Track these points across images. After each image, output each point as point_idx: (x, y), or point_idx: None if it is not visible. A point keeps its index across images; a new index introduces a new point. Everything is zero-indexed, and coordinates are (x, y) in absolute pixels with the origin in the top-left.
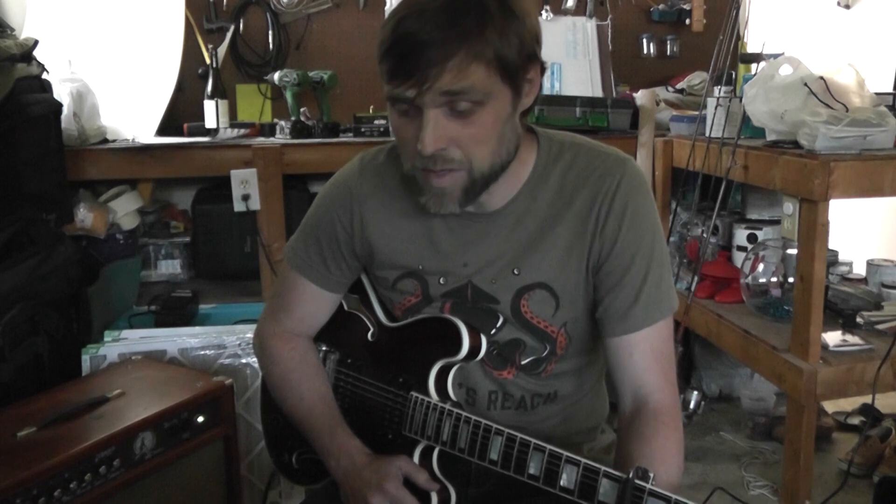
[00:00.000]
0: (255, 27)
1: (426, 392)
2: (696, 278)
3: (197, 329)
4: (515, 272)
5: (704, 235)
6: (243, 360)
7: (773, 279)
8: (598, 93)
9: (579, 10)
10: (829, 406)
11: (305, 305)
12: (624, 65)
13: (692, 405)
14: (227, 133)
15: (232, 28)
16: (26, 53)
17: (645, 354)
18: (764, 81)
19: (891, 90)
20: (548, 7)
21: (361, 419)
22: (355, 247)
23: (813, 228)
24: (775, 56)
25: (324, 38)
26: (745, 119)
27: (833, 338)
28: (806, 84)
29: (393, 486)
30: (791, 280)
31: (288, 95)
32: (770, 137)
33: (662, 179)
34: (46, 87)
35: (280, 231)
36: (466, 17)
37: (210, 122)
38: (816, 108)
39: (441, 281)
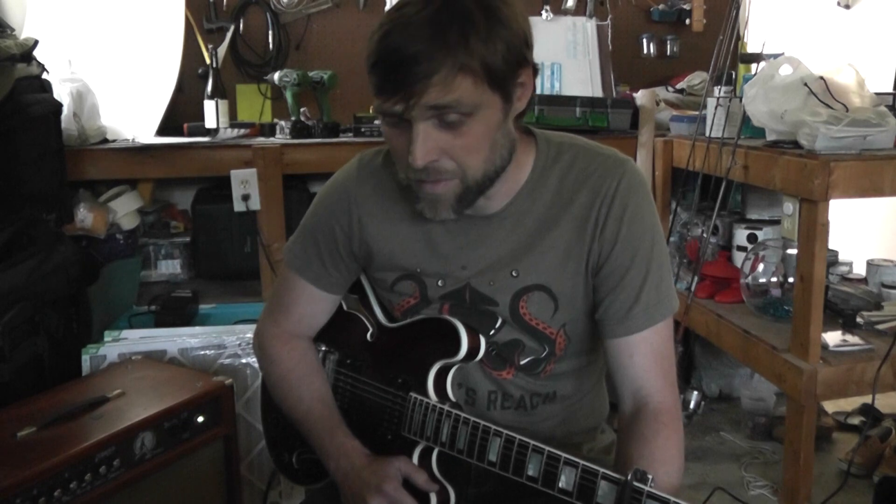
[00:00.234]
0: (255, 27)
1: (425, 393)
2: (696, 278)
3: (197, 329)
4: (514, 274)
5: (704, 235)
6: (243, 360)
7: (773, 279)
8: (598, 93)
9: (579, 10)
10: (829, 406)
11: (304, 306)
12: (624, 65)
13: (692, 405)
14: (227, 133)
15: (232, 28)
16: (26, 53)
17: (645, 356)
18: (764, 81)
19: (891, 90)
20: (548, 7)
21: (361, 420)
22: (353, 248)
23: (813, 228)
24: (775, 56)
25: (324, 38)
26: (745, 119)
27: (833, 338)
28: (806, 84)
29: (392, 487)
30: (791, 280)
31: (288, 95)
32: (770, 137)
33: (662, 179)
34: (46, 87)
35: (280, 231)
36: (450, 28)
37: (210, 122)
38: (816, 108)
39: (439, 283)
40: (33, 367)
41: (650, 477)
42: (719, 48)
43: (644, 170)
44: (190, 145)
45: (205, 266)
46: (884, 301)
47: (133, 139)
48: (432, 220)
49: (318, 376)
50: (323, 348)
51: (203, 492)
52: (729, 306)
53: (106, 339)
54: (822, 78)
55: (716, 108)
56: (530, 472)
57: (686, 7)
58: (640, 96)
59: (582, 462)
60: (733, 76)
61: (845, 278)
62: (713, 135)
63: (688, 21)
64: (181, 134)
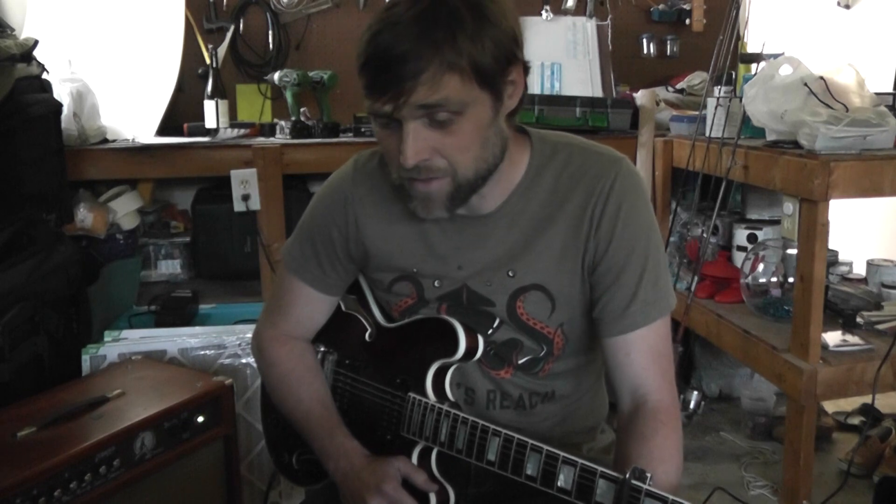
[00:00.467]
0: (255, 27)
1: (424, 393)
2: (696, 278)
3: (197, 329)
4: (510, 274)
5: (704, 235)
6: (243, 360)
7: (773, 279)
8: (598, 93)
9: (579, 10)
10: (829, 406)
11: (302, 308)
12: (624, 65)
13: (692, 405)
14: (227, 133)
15: (232, 28)
16: (26, 53)
17: (643, 354)
18: (764, 81)
19: (891, 90)
20: (548, 7)
21: (360, 420)
22: (350, 249)
23: (813, 228)
24: (775, 56)
25: (324, 38)
26: (745, 119)
27: (833, 338)
28: (806, 84)
29: (391, 487)
30: (791, 280)
31: (288, 95)
32: (770, 137)
33: (662, 179)
34: (46, 87)
35: (280, 231)
36: (437, 27)
37: (210, 122)
38: (816, 108)
39: (436, 284)
40: (33, 367)
41: (649, 475)
42: (719, 48)
43: (644, 170)
44: (190, 145)
45: (205, 266)
46: (884, 301)
47: (133, 139)
48: (428, 221)
49: (316, 377)
50: (322, 349)
51: (203, 492)
52: (729, 306)
53: (106, 339)
54: (822, 78)
55: (716, 108)
56: (529, 472)
57: (686, 7)
58: (640, 96)
59: (580, 461)
60: (733, 76)
61: (845, 278)
62: (713, 135)
63: (688, 21)
64: (181, 134)
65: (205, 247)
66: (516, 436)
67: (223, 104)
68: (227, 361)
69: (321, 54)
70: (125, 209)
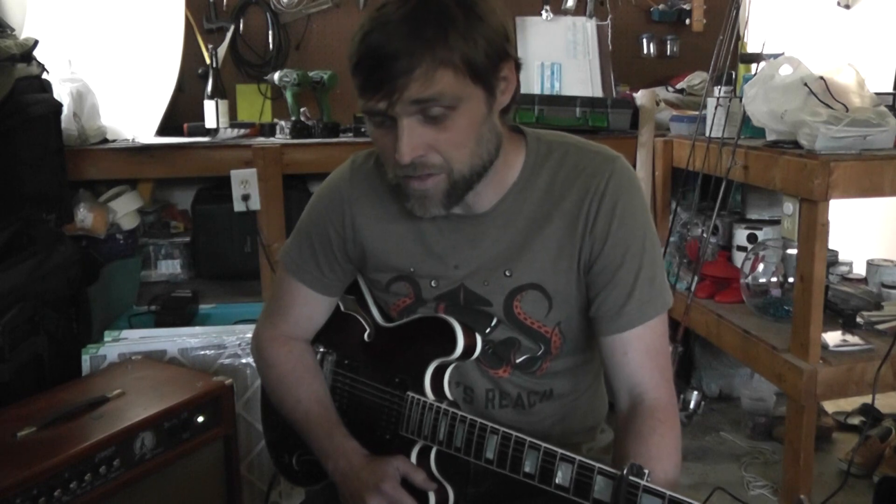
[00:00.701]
0: (255, 27)
1: (422, 392)
2: (696, 278)
3: (197, 329)
4: (507, 273)
5: (704, 235)
6: (243, 360)
7: (773, 279)
8: (598, 93)
9: (579, 10)
10: (829, 406)
11: (301, 308)
12: (624, 65)
13: (692, 405)
14: (227, 133)
15: (232, 28)
16: (26, 53)
17: (639, 352)
18: (764, 81)
19: (891, 90)
20: (548, 7)
21: (359, 420)
22: (348, 250)
23: (813, 228)
24: (775, 56)
25: (324, 38)
26: (745, 119)
27: (833, 338)
28: (806, 84)
29: (390, 487)
30: (791, 280)
31: (288, 95)
32: (770, 137)
33: (662, 179)
34: (46, 87)
35: (280, 231)
36: (428, 25)
37: (210, 122)
38: (816, 108)
39: (433, 284)
40: (33, 367)
41: (647, 472)
42: (719, 48)
43: (644, 170)
44: (190, 145)
45: (205, 266)
46: (884, 301)
47: (133, 139)
48: (425, 221)
49: (315, 377)
50: (321, 349)
51: (203, 492)
52: (729, 306)
53: (106, 339)
54: (822, 78)
55: (716, 108)
56: (527, 469)
57: (686, 7)
58: (640, 96)
59: (578, 458)
60: (733, 76)
61: (845, 278)
62: (713, 135)
63: (688, 21)
64: (181, 134)
65: (205, 247)
66: (514, 433)
67: (223, 104)
68: (227, 361)
69: (321, 54)
70: (125, 209)
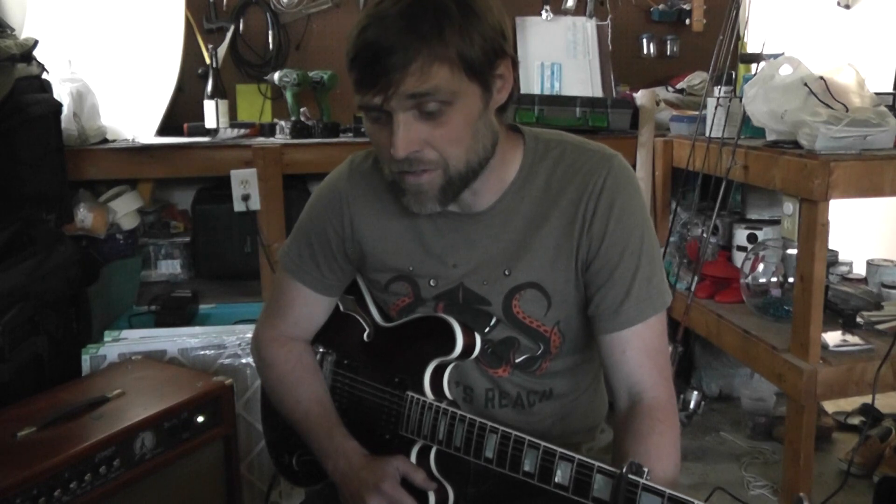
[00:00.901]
0: (255, 27)
1: (422, 391)
2: (696, 278)
3: (197, 329)
4: (506, 273)
5: (704, 235)
6: (243, 360)
7: (773, 279)
8: (598, 93)
9: (579, 10)
10: (829, 406)
11: (300, 309)
12: (624, 65)
13: (692, 405)
14: (227, 133)
15: (232, 28)
16: (26, 53)
17: (638, 351)
18: (764, 81)
19: (891, 90)
20: (548, 7)
21: (359, 420)
22: (347, 250)
23: (813, 228)
24: (775, 56)
25: (324, 38)
26: (745, 119)
27: (833, 338)
28: (806, 84)
29: (390, 486)
30: (791, 280)
31: (288, 95)
32: (770, 137)
33: (662, 179)
34: (46, 87)
35: (280, 231)
36: (424, 20)
37: (210, 122)
38: (816, 108)
39: (431, 283)
40: (33, 367)
41: (646, 470)
42: (719, 48)
43: (644, 170)
44: (190, 145)
45: (205, 266)
46: (884, 301)
47: (133, 139)
48: (422, 220)
49: (315, 378)
50: (320, 349)
51: (203, 492)
52: (729, 306)
53: (106, 339)
54: (822, 78)
55: (716, 108)
56: (526, 468)
57: (686, 7)
58: (640, 96)
59: (577, 456)
60: (733, 76)
61: (845, 278)
62: (713, 135)
63: (688, 21)
64: (181, 134)
65: (205, 247)
66: (513, 432)
67: (223, 104)
68: (227, 361)
69: (321, 54)
70: (125, 209)
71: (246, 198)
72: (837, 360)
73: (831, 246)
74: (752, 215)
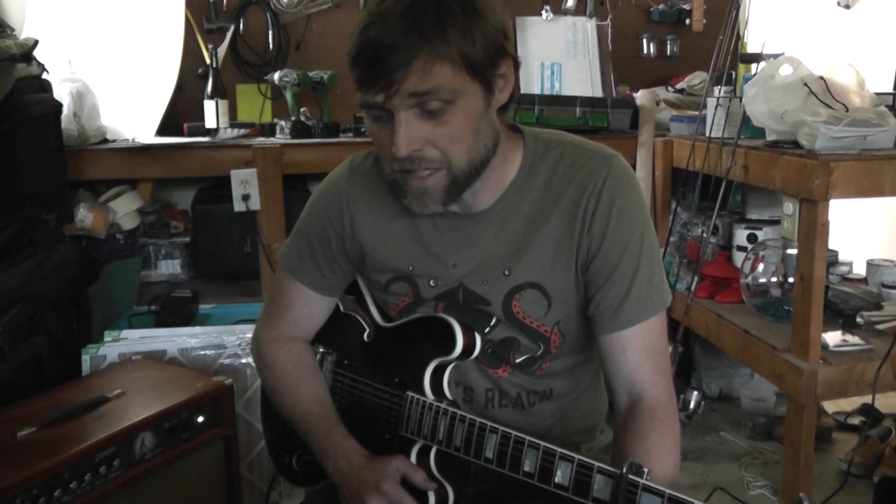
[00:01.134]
0: (255, 27)
1: (422, 391)
2: (696, 278)
3: (197, 329)
4: (506, 273)
5: (704, 235)
6: (243, 360)
7: (773, 279)
8: (598, 93)
9: (579, 10)
10: (829, 406)
11: (300, 309)
12: (624, 65)
13: (692, 405)
14: (227, 133)
15: (232, 28)
16: (26, 53)
17: (638, 351)
18: (764, 81)
19: (891, 90)
20: (548, 7)
21: (359, 420)
22: (347, 250)
23: (813, 228)
24: (775, 56)
25: (324, 38)
26: (745, 119)
27: (833, 338)
28: (806, 84)
29: (390, 486)
30: (791, 280)
31: (288, 95)
32: (770, 137)
33: (662, 179)
34: (46, 87)
35: (280, 231)
36: (427, 19)
37: (210, 122)
38: (816, 108)
39: (431, 283)
40: (33, 367)
41: (646, 470)
42: (719, 48)
43: (644, 170)
44: (190, 145)
45: (205, 266)
46: (884, 301)
47: (133, 139)
48: (422, 220)
49: (315, 378)
50: (321, 349)
51: (203, 492)
52: (729, 306)
53: (106, 339)
54: (822, 78)
55: (716, 108)
56: (526, 468)
57: (686, 7)
58: (640, 96)
59: (577, 456)
60: (733, 76)
61: (845, 278)
62: (713, 135)
63: (688, 21)
64: (181, 134)
65: (205, 247)
66: (514, 433)
67: (223, 104)
68: (227, 361)
69: (321, 54)
70: (125, 209)
71: (246, 198)
72: (837, 360)
73: (831, 246)
74: (752, 215)
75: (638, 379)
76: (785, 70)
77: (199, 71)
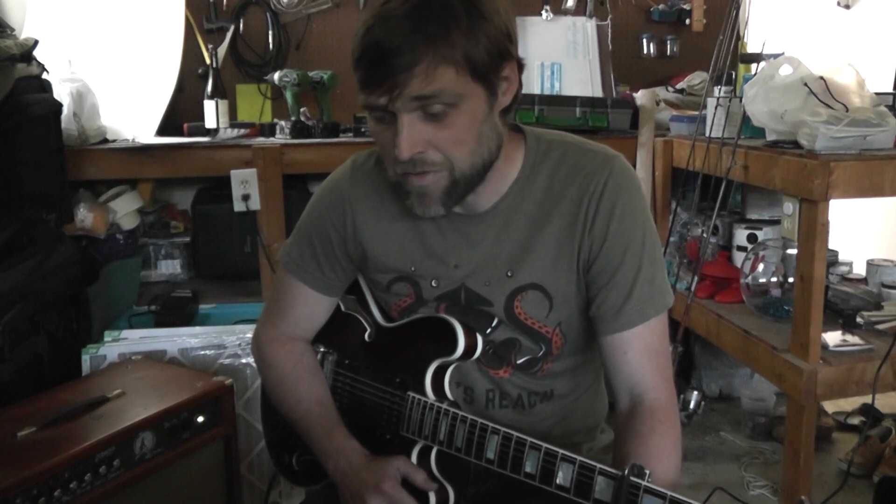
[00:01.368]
0: (255, 27)
1: (423, 392)
2: (696, 278)
3: (197, 329)
4: (508, 274)
5: (704, 235)
6: (243, 360)
7: (773, 279)
8: (598, 93)
9: (579, 10)
10: (829, 406)
11: (301, 308)
12: (624, 65)
13: (692, 405)
14: (227, 133)
15: (232, 28)
16: (26, 53)
17: (639, 352)
18: (764, 81)
19: (891, 90)
20: (548, 7)
21: (360, 420)
22: (349, 249)
23: (813, 228)
24: (775, 56)
25: (324, 38)
26: (745, 119)
27: (833, 338)
28: (806, 84)
29: (390, 487)
30: (791, 280)
31: (288, 95)
32: (770, 137)
33: (662, 179)
34: (46, 87)
35: (280, 231)
36: (430, 21)
37: (210, 122)
38: (816, 108)
39: (433, 284)
40: (33, 367)
41: (647, 472)
42: (719, 48)
43: (644, 170)
44: (190, 145)
45: (205, 266)
46: (884, 301)
47: (133, 139)
48: (424, 221)
49: (316, 377)
50: (321, 349)
51: (203, 492)
52: (729, 306)
53: (106, 339)
54: (822, 78)
55: (716, 108)
56: (528, 469)
57: (686, 7)
58: (640, 96)
59: (579, 458)
60: (733, 76)
61: (845, 278)
62: (713, 135)
63: (688, 21)
64: (181, 134)
65: (205, 247)
66: (515, 433)
67: (223, 104)
68: (227, 361)
69: (321, 54)
70: (125, 209)
71: (246, 198)
72: (837, 360)
73: (831, 246)
74: (752, 215)
75: (639, 380)
76: (785, 70)
77: (199, 71)
